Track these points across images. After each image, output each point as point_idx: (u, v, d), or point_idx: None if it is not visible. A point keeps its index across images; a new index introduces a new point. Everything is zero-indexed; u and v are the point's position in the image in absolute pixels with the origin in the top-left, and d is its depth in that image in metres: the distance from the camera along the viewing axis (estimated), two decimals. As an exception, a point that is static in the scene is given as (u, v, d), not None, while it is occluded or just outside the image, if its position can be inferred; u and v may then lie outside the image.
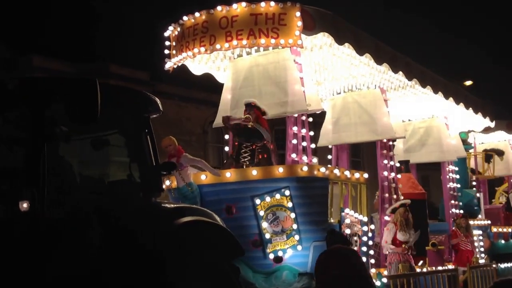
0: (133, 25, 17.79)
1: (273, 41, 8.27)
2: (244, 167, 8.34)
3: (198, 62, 9.67)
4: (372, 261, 9.74)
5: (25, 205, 4.54)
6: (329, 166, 8.93)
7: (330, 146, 11.70)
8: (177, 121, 18.89)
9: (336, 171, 8.47)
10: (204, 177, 8.13)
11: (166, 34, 9.22)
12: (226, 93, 9.49)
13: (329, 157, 11.83)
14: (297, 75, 8.87)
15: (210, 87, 11.78)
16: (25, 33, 17.00)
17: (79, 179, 5.58)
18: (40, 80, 4.83)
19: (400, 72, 10.41)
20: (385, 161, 11.10)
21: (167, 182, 8.26)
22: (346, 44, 8.89)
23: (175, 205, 5.88)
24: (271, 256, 8.03)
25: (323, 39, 8.92)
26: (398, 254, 9.89)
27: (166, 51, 9.23)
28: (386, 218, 10.59)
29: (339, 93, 11.46)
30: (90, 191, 5.50)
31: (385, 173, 11.04)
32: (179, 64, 9.23)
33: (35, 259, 4.45)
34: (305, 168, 8.04)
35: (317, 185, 8.16)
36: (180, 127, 19.00)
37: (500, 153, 16.64)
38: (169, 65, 9.18)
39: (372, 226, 10.32)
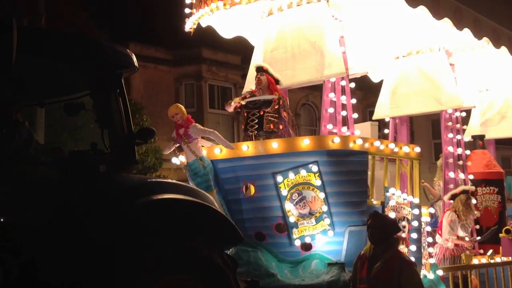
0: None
1: (300, -10, 7.06)
2: (253, 138, 7.18)
3: (227, 23, 8.57)
4: (431, 249, 8.30)
5: None
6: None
7: (387, 119, 10.29)
8: (270, 104, 18.91)
9: (378, 144, 7.11)
10: (219, 151, 6.99)
11: (187, -9, 8.19)
12: (256, 57, 8.34)
13: (386, 131, 10.41)
14: (336, 33, 7.62)
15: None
16: (122, 20, 17.49)
17: (32, 149, 4.65)
18: None
19: (467, 29, 8.82)
20: (450, 135, 9.57)
21: (182, 158, 7.25)
22: (394, -6, 7.52)
23: (150, 180, 4.82)
24: (298, 242, 6.86)
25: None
26: (453, 250, 8.48)
27: (187, 10, 8.20)
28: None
29: (397, 57, 10.03)
30: (42, 163, 4.57)
31: (450, 149, 9.51)
32: (202, 25, 8.17)
33: None
34: (337, 140, 6.74)
35: (353, 160, 6.83)
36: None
37: None
38: (188, 25, 8.13)
39: (432, 210, 8.89)
